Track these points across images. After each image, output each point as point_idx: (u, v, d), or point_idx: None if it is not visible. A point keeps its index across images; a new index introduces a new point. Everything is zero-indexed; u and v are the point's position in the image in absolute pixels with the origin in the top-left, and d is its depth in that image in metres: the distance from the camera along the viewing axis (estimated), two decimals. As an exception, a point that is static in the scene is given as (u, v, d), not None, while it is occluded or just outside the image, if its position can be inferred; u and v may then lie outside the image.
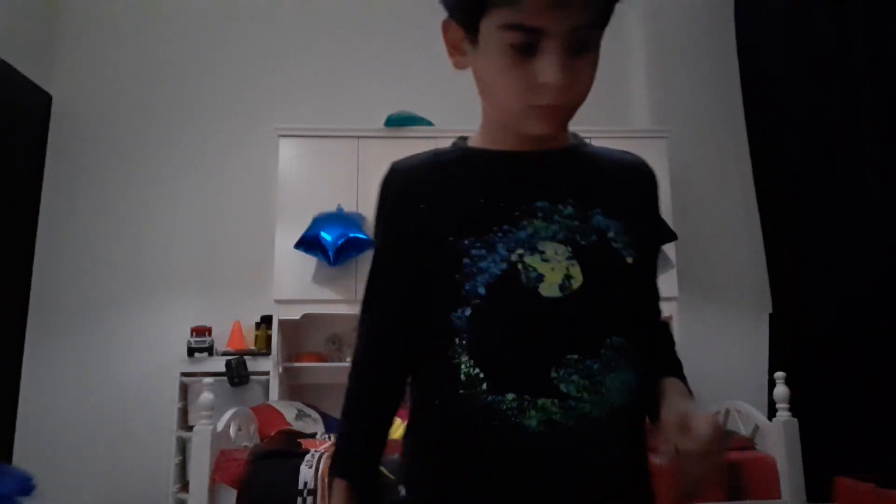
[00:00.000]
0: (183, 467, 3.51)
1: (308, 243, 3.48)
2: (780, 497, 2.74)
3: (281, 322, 3.61)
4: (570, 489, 0.75)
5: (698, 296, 3.90)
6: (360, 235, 3.44)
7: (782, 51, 3.76)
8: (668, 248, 3.69)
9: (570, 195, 0.83)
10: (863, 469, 2.76)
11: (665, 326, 0.95)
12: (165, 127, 4.15)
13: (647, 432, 0.84)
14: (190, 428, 3.13)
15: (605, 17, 0.78)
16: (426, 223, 0.83)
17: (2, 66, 3.64)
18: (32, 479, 2.59)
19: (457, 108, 4.06)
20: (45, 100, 4.08)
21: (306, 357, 3.77)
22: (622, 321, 0.81)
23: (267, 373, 3.63)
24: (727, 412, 3.23)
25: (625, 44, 4.29)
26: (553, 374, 0.76)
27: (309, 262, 3.55)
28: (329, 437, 3.12)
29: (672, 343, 0.94)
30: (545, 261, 0.79)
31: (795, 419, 2.86)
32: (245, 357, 3.63)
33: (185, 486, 3.33)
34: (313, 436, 3.15)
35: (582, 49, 0.77)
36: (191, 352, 3.65)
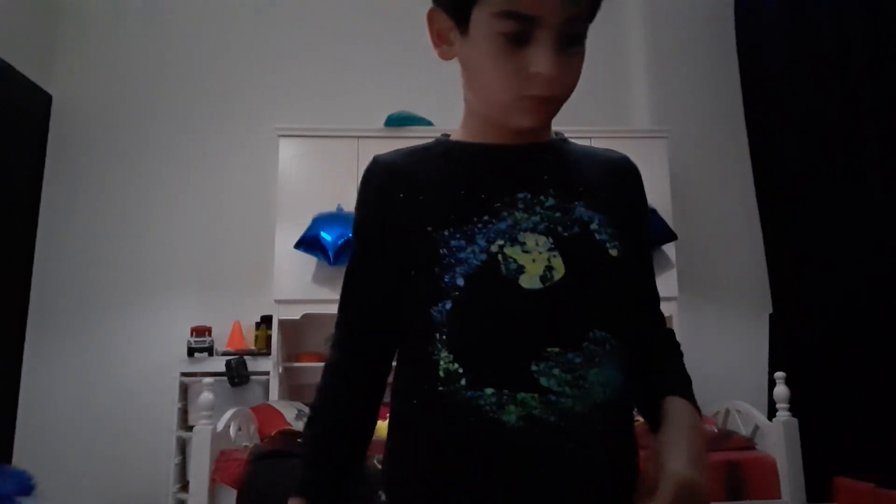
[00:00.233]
0: (183, 467, 3.50)
1: (308, 243, 3.48)
2: (780, 497, 2.74)
3: (281, 322, 3.61)
4: (550, 486, 0.72)
5: (698, 296, 3.90)
6: (360, 235, 3.43)
7: (782, 51, 3.76)
8: (668, 248, 3.69)
9: (551, 186, 0.81)
10: (863, 469, 2.76)
11: (671, 335, 0.90)
12: (165, 127, 4.15)
13: (635, 430, 0.82)
14: (190, 428, 3.13)
15: (595, 10, 0.78)
16: (404, 213, 0.82)
17: (2, 66, 3.64)
18: (32, 479, 2.59)
19: (457, 108, 4.02)
20: (45, 100, 4.07)
21: (306, 357, 3.77)
22: (606, 314, 0.78)
23: (267, 373, 3.63)
24: (727, 412, 3.23)
25: (625, 44, 4.29)
26: (533, 368, 0.73)
27: (309, 262, 3.55)
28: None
29: (680, 355, 0.89)
30: (526, 252, 0.77)
31: (795, 419, 2.86)
32: (245, 357, 3.63)
33: (185, 486, 3.33)
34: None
35: (573, 41, 0.76)
36: (191, 352, 3.65)
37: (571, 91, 0.79)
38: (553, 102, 0.78)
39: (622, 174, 0.90)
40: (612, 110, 4.17)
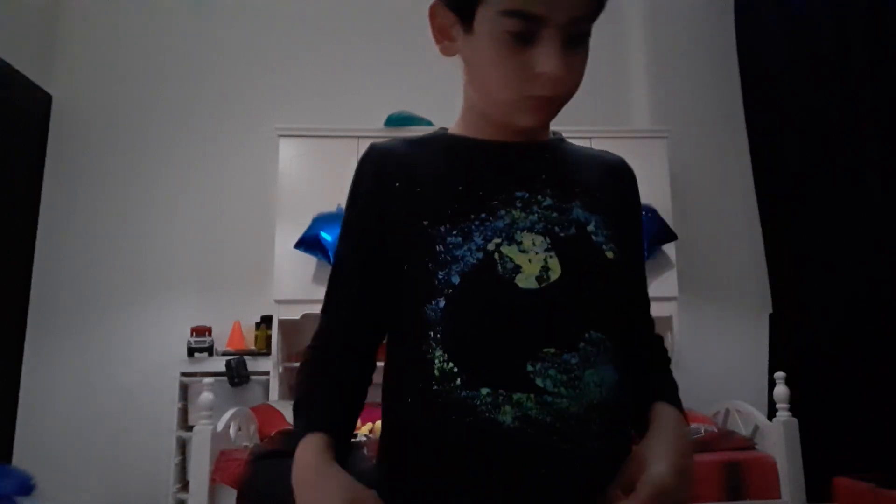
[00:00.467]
0: (183, 467, 3.50)
1: (308, 243, 3.48)
2: (780, 497, 2.74)
3: (281, 322, 3.61)
4: (546, 487, 0.72)
5: (698, 296, 3.90)
6: (360, 235, 3.43)
7: (782, 51, 3.76)
8: (668, 248, 3.69)
9: (549, 186, 0.81)
10: (863, 469, 2.76)
11: (660, 341, 0.91)
12: (165, 127, 4.15)
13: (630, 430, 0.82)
14: (190, 428, 3.13)
15: (599, 11, 0.77)
16: (400, 205, 0.81)
17: (2, 66, 3.64)
18: (32, 479, 2.59)
19: (457, 108, 4.03)
20: (45, 100, 4.07)
21: (306, 357, 3.76)
22: (602, 315, 0.78)
23: (267, 373, 3.63)
24: (727, 412, 3.23)
25: (625, 44, 4.29)
26: (529, 368, 0.73)
27: (309, 262, 3.55)
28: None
29: (667, 361, 0.90)
30: (523, 252, 0.76)
31: (795, 419, 2.86)
32: (245, 357, 3.63)
33: (185, 486, 3.34)
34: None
35: (577, 41, 0.76)
36: (191, 352, 3.65)
37: (574, 91, 0.79)
38: (556, 102, 0.78)
39: (618, 176, 0.90)
40: (612, 110, 4.17)
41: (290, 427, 3.19)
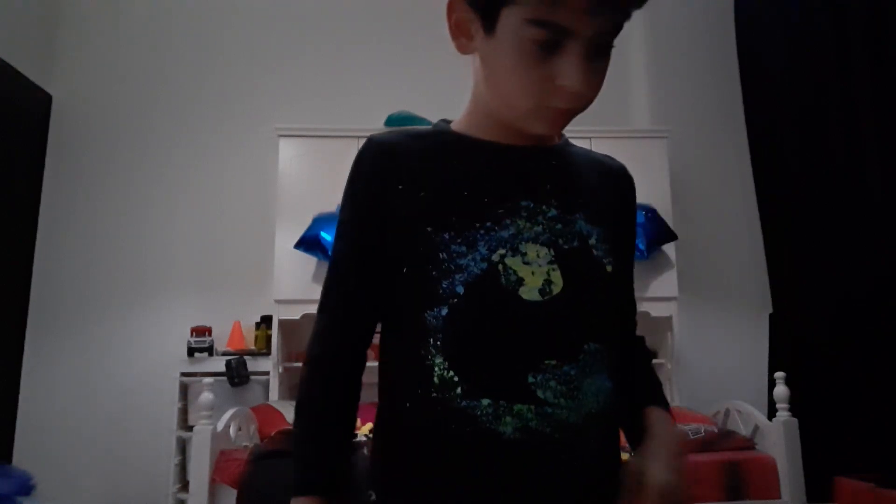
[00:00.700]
0: (183, 467, 3.50)
1: (308, 243, 3.48)
2: (780, 497, 2.74)
3: (281, 322, 3.61)
4: (546, 497, 0.73)
5: (698, 296, 3.90)
6: (360, 235, 3.43)
7: (782, 51, 3.76)
8: (668, 248, 3.69)
9: (554, 196, 0.80)
10: (863, 469, 2.76)
11: (642, 341, 0.94)
12: (165, 127, 4.15)
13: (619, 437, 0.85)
14: (190, 428, 3.13)
15: (623, 24, 0.76)
16: (403, 207, 0.79)
17: (2, 66, 3.64)
18: (32, 479, 2.59)
19: (457, 109, 4.04)
20: (45, 100, 4.07)
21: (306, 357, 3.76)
22: (600, 327, 0.79)
23: (267, 373, 3.63)
24: (727, 412, 3.23)
25: (625, 44, 4.29)
26: (531, 380, 0.74)
27: (309, 262, 3.55)
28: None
29: (650, 359, 0.93)
30: (526, 263, 0.76)
31: (795, 419, 2.86)
32: (245, 357, 3.63)
33: (185, 486, 3.33)
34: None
35: (600, 54, 0.75)
36: (191, 352, 3.65)
37: (590, 104, 0.77)
38: (571, 114, 0.77)
39: (620, 186, 0.90)
40: (612, 110, 4.16)
41: (291, 427, 3.19)
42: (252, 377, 3.62)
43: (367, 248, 0.82)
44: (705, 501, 2.66)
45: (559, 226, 0.79)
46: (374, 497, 0.80)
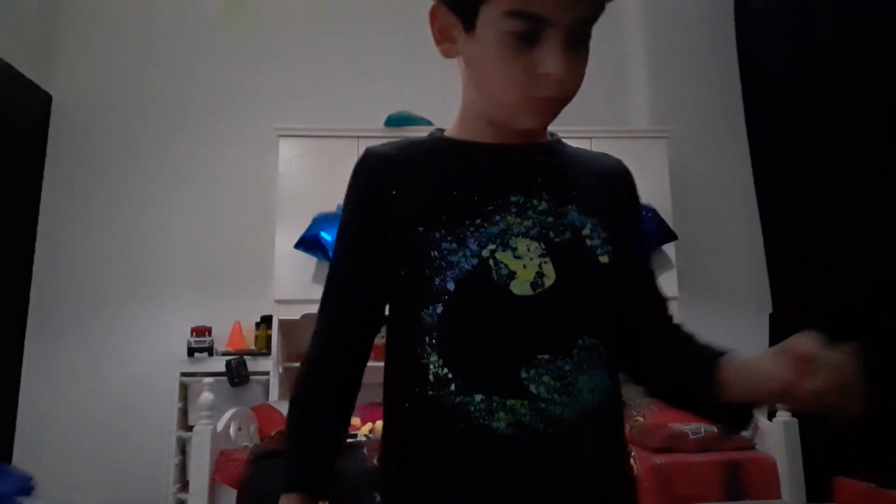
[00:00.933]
0: (183, 467, 3.50)
1: (308, 243, 3.48)
2: (780, 497, 2.74)
3: (281, 322, 3.61)
4: (540, 493, 0.73)
5: (698, 296, 3.89)
6: (360, 235, 3.43)
7: (782, 51, 3.76)
8: (668, 248, 3.69)
9: (544, 190, 0.81)
10: (863, 469, 2.76)
11: (682, 327, 0.89)
12: (165, 127, 4.15)
13: (626, 436, 0.82)
14: (190, 428, 3.13)
15: (600, 12, 0.78)
16: (396, 211, 0.81)
17: (2, 66, 3.64)
18: (32, 479, 2.59)
19: (457, 108, 4.05)
20: (45, 100, 4.07)
21: (306, 357, 3.76)
22: (595, 321, 0.79)
23: (267, 373, 3.63)
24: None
25: (625, 44, 4.29)
26: (523, 375, 0.74)
27: (309, 262, 3.55)
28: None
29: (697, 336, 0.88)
30: (517, 258, 0.77)
31: (795, 419, 2.86)
32: (245, 357, 3.63)
33: (185, 486, 3.33)
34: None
35: (579, 43, 0.76)
36: (191, 352, 3.65)
37: (576, 92, 0.78)
38: (558, 104, 0.78)
39: (615, 178, 0.90)
40: (612, 110, 4.17)
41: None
42: (252, 377, 3.62)
43: (365, 254, 0.84)
44: (705, 501, 2.66)
45: (550, 219, 0.80)
46: (378, 499, 0.81)
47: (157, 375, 3.78)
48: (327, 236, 3.43)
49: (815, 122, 3.53)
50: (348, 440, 2.62)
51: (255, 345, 3.76)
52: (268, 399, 3.57)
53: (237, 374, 3.54)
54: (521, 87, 0.75)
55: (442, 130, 0.89)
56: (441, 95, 4.26)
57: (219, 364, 3.58)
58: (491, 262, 0.76)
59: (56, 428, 3.76)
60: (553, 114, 0.80)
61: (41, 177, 4.04)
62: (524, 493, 0.73)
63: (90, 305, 3.93)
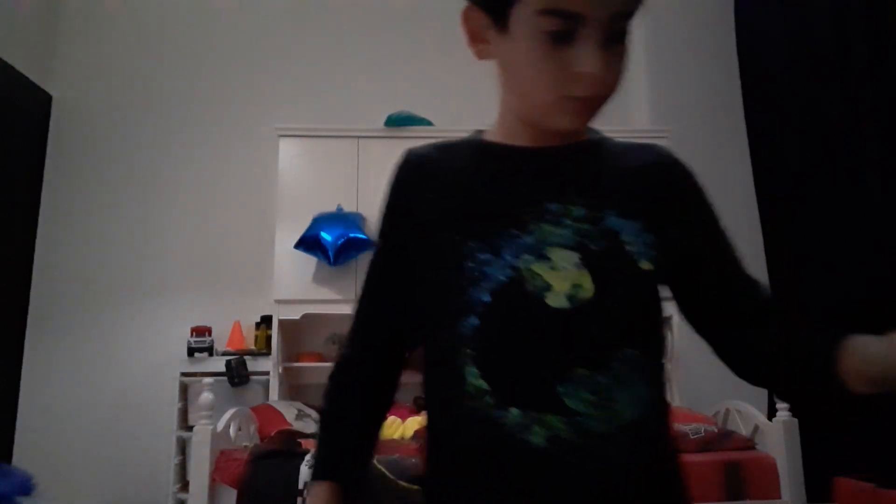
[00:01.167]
0: (183, 467, 3.51)
1: (308, 243, 3.48)
2: (780, 497, 2.74)
3: (281, 322, 3.61)
4: None
5: (698, 296, 3.89)
6: (361, 235, 3.44)
7: (782, 51, 3.76)
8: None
9: (582, 195, 0.78)
10: (863, 469, 2.76)
11: (782, 313, 0.86)
12: (165, 127, 4.15)
13: (675, 444, 0.80)
14: (190, 428, 3.13)
15: (638, 7, 0.74)
16: (432, 217, 0.80)
17: (2, 66, 3.64)
18: (32, 479, 2.59)
19: (457, 108, 4.07)
20: (45, 100, 4.08)
21: (306, 357, 3.77)
22: (636, 332, 0.76)
23: (267, 373, 3.63)
24: (727, 412, 3.23)
25: (625, 44, 4.29)
26: (559, 389, 0.72)
27: (309, 262, 3.55)
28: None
29: (805, 319, 0.84)
30: (553, 269, 0.74)
31: (795, 419, 2.86)
32: (245, 357, 3.63)
33: (185, 486, 3.34)
34: (313, 436, 3.15)
35: (617, 39, 0.73)
36: (191, 352, 3.65)
37: (615, 90, 0.76)
38: (596, 103, 0.76)
39: (661, 172, 0.84)
40: (611, 110, 4.06)
41: (291, 427, 3.19)
42: (252, 377, 3.62)
43: (396, 257, 0.85)
44: (705, 501, 2.66)
45: (587, 226, 0.77)
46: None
47: (157, 375, 3.79)
48: (327, 236, 3.43)
49: (815, 121, 3.53)
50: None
51: (255, 345, 3.76)
52: (268, 399, 3.57)
53: (237, 374, 3.54)
54: (556, 86, 0.73)
55: (481, 132, 0.88)
56: (441, 95, 4.30)
57: (219, 364, 3.58)
58: (526, 273, 0.75)
59: (56, 428, 3.76)
60: (590, 114, 0.77)
61: (41, 177, 4.04)
62: None
63: (90, 305, 3.93)
